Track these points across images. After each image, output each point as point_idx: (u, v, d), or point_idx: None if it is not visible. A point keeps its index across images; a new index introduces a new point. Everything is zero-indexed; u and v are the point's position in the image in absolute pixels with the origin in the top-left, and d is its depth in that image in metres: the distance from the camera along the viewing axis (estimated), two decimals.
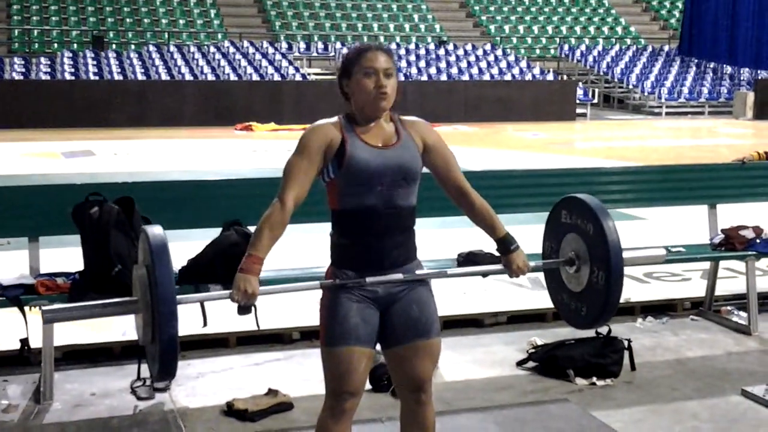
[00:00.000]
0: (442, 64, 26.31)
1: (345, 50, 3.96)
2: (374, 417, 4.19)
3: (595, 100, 27.18)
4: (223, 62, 24.60)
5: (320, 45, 27.58)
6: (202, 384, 4.63)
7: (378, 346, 3.22)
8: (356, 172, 3.05)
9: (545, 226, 3.82)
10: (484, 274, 4.32)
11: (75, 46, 25.75)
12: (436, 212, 5.84)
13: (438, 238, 7.54)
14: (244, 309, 4.08)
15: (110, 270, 4.24)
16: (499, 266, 3.46)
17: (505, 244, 3.39)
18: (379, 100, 3.07)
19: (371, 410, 4.26)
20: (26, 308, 4.27)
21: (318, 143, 3.08)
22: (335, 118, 3.14)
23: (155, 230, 3.11)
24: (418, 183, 3.18)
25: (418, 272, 3.21)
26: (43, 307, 3.20)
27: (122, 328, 5.26)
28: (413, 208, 3.20)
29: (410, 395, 3.22)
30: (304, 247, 5.60)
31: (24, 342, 4.37)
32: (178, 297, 2.99)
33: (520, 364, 4.94)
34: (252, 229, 4.59)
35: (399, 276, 3.14)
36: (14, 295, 4.28)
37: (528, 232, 8.05)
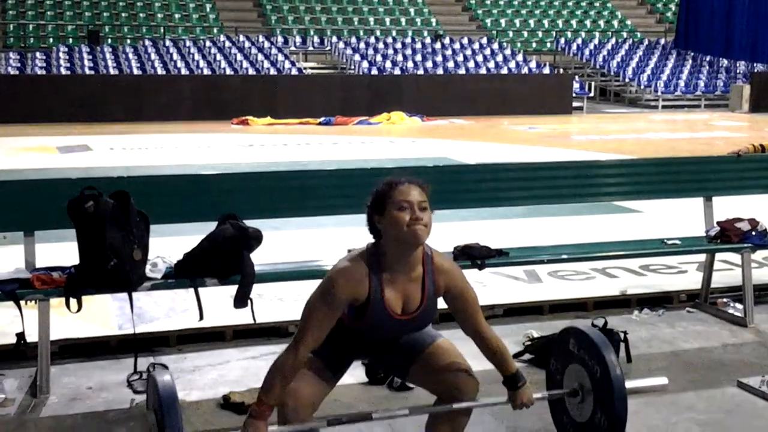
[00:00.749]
0: (439, 58, 26.30)
1: (375, 188, 3.98)
2: (370, 409, 4.18)
3: (592, 94, 27.18)
4: (219, 56, 24.57)
5: (316, 39, 27.55)
6: (199, 377, 4.63)
7: None
8: (371, 329, 3.15)
9: (552, 344, 3.90)
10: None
11: (70, 40, 25.70)
12: (433, 205, 5.86)
13: (434, 231, 7.54)
14: (240, 299, 4.10)
15: (106, 264, 4.23)
16: (503, 399, 3.53)
17: (514, 380, 3.43)
18: (414, 233, 3.03)
19: (367, 403, 4.27)
20: (22, 302, 4.26)
21: (346, 295, 3.08)
22: (362, 253, 3.12)
23: (165, 378, 3.18)
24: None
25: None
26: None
27: (118, 321, 5.27)
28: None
29: (458, 396, 3.28)
30: (298, 241, 5.59)
31: (20, 336, 4.37)
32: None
33: (516, 356, 4.94)
34: (248, 223, 4.61)
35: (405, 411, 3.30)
36: (10, 290, 4.27)
37: (523, 225, 8.09)
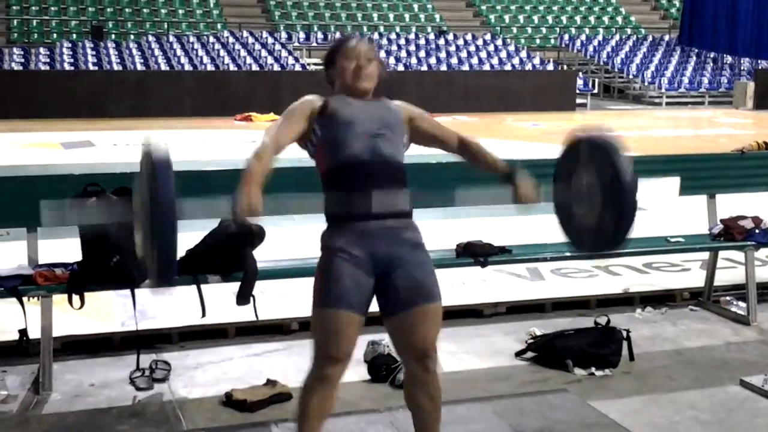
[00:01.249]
0: (442, 54, 26.27)
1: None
2: (373, 407, 4.19)
3: (596, 90, 27.15)
4: (222, 52, 24.56)
5: (320, 35, 27.53)
6: (201, 374, 4.64)
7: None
8: (340, 121, 3.16)
9: (562, 154, 3.70)
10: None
11: (74, 36, 25.69)
12: (435, 202, 5.85)
13: (436, 228, 7.53)
14: (243, 300, 4.09)
15: (109, 260, 4.24)
16: (504, 191, 3.39)
17: (511, 174, 3.41)
18: (359, 78, 3.23)
19: (370, 400, 4.27)
20: (25, 299, 4.27)
21: (302, 109, 3.23)
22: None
23: (160, 145, 3.07)
24: (403, 145, 3.29)
25: (412, 233, 3.26)
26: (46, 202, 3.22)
27: (121, 318, 5.27)
28: (401, 164, 3.25)
29: (417, 363, 3.21)
30: (301, 238, 5.60)
31: (23, 332, 4.38)
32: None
33: (518, 354, 4.94)
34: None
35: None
36: (12, 286, 4.27)
37: (526, 222, 8.07)
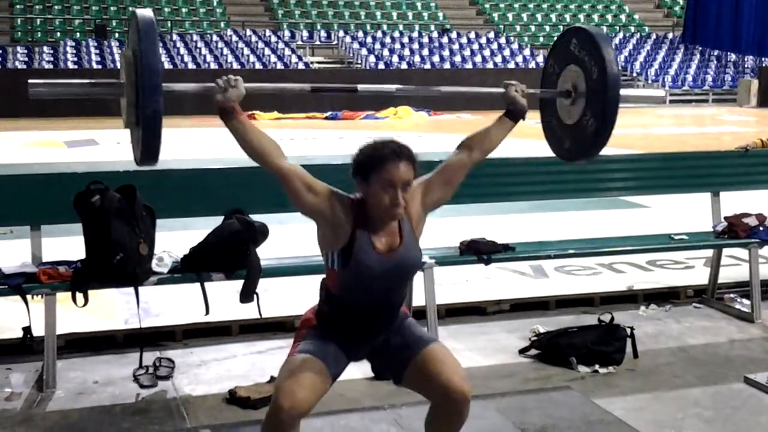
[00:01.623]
0: (446, 52, 26.27)
1: (363, 144, 3.11)
2: (377, 405, 4.19)
3: None
4: (225, 51, 24.58)
5: (323, 33, 27.53)
6: (205, 372, 4.64)
7: None
8: (359, 276, 3.05)
9: (552, 46, 3.82)
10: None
11: (78, 34, 25.73)
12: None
13: (440, 226, 7.54)
14: (246, 298, 4.09)
15: (112, 258, 4.24)
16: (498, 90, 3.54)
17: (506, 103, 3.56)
18: (393, 215, 3.03)
19: (373, 398, 4.26)
20: (28, 297, 4.27)
21: (333, 197, 3.07)
22: (351, 197, 3.10)
23: (144, 12, 3.08)
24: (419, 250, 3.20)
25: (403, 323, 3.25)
26: (30, 81, 3.18)
27: (125, 316, 5.27)
28: (406, 295, 3.26)
29: (447, 400, 3.10)
30: (304, 235, 5.60)
31: (26, 330, 4.38)
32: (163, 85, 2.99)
33: (522, 351, 4.94)
34: (254, 217, 4.61)
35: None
36: (16, 284, 4.28)
37: (530, 220, 8.08)
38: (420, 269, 3.15)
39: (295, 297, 5.40)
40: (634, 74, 28.24)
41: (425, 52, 26.04)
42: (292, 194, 3.10)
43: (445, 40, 27.20)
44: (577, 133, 3.56)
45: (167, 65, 23.24)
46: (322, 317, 3.19)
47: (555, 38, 3.89)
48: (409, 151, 3.07)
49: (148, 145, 2.94)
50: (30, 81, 3.06)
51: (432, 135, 17.16)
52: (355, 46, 26.19)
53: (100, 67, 22.57)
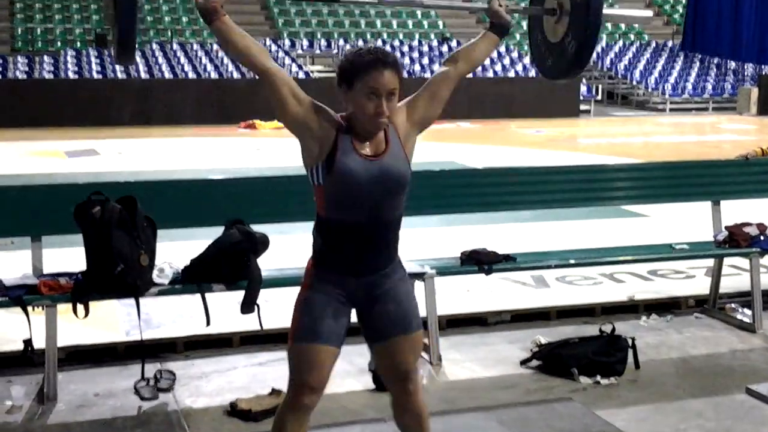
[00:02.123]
0: None
1: (348, 51, 3.14)
2: (377, 417, 4.18)
3: (599, 97, 27.15)
4: (226, 60, 24.60)
5: (323, 42, 27.57)
6: (206, 384, 4.63)
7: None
8: (344, 183, 3.00)
9: None
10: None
11: (78, 44, 25.75)
12: (440, 209, 5.86)
13: (441, 236, 7.54)
14: (248, 308, 4.08)
15: (113, 269, 4.23)
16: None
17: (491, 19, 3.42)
18: (377, 124, 3.01)
19: (374, 410, 4.26)
20: (29, 308, 4.26)
21: (318, 107, 3.07)
22: (338, 116, 3.09)
23: None
24: (407, 191, 3.13)
25: (394, 273, 3.20)
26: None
27: (126, 327, 5.27)
28: (399, 218, 3.16)
29: (398, 386, 3.24)
30: (306, 246, 5.59)
31: (27, 342, 4.37)
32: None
33: (524, 362, 4.93)
34: (255, 227, 4.60)
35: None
36: (17, 295, 4.27)
37: (530, 230, 8.07)
38: (407, 183, 3.07)
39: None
40: (634, 82, 28.27)
41: (425, 60, 26.08)
42: (278, 101, 3.06)
43: (445, 48, 27.25)
44: (559, 51, 3.64)
45: (168, 74, 23.27)
46: (319, 255, 3.15)
47: None
48: (395, 59, 3.04)
49: (122, 36, 3.06)
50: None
51: (432, 144, 17.15)
52: (350, 48, 26.24)
53: (100, 76, 22.60)
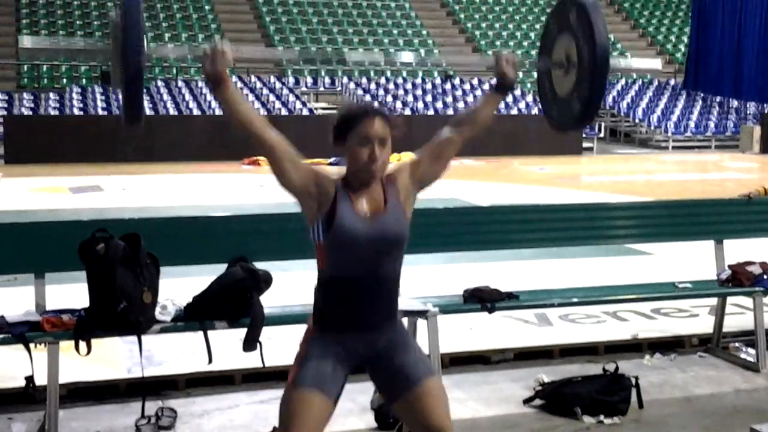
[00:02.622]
0: (449, 99, 26.42)
1: (338, 110, 3.25)
2: None
3: (602, 134, 27.23)
4: None
5: (327, 80, 27.73)
6: (207, 422, 4.61)
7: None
8: (343, 241, 3.03)
9: (545, 23, 3.86)
10: None
11: (84, 81, 25.92)
12: (443, 247, 5.86)
13: (444, 273, 7.53)
14: (250, 346, 4.07)
15: (116, 307, 4.23)
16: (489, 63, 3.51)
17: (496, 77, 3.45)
18: (371, 172, 3.06)
19: None
20: (31, 345, 4.26)
21: (312, 172, 3.12)
22: (337, 175, 3.13)
23: None
24: (404, 249, 3.16)
25: (403, 341, 3.21)
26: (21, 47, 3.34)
27: (127, 365, 5.25)
28: (398, 277, 3.18)
29: None
30: (308, 283, 5.59)
31: (29, 379, 4.36)
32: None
33: (527, 401, 4.91)
34: (258, 265, 4.60)
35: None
36: (20, 332, 4.27)
37: (533, 267, 8.06)
38: (404, 243, 3.10)
39: (299, 345, 5.37)
40: (637, 120, 28.37)
41: (428, 98, 26.21)
42: (278, 172, 3.14)
43: (448, 86, 27.40)
44: (565, 105, 3.66)
45: (172, 111, 23.38)
46: (319, 314, 3.15)
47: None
48: (384, 109, 3.15)
49: (131, 102, 3.12)
50: (21, 47, 3.24)
51: (436, 181, 17.20)
52: (359, 92, 26.37)
53: (105, 113, 22.72)
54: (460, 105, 25.96)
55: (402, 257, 3.16)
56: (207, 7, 30.47)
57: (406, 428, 4.37)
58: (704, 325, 6.31)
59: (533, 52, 31.77)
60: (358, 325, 3.11)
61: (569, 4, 3.69)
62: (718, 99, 29.84)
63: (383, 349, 3.14)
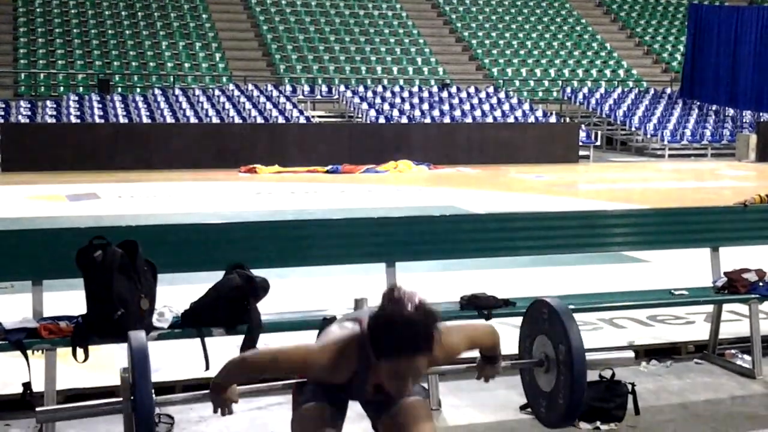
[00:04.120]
0: (446, 107, 26.45)
1: (386, 309, 2.94)
2: None
3: (598, 143, 27.25)
4: (227, 105, 24.75)
5: (324, 88, 27.74)
6: (204, 428, 4.61)
7: None
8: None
9: (523, 320, 4.00)
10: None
11: (81, 89, 25.92)
12: (439, 254, 5.87)
13: (441, 280, 7.54)
14: (247, 349, 4.10)
15: (113, 313, 4.24)
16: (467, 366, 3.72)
17: (492, 359, 3.57)
18: (398, 395, 3.06)
19: None
20: (29, 352, 4.26)
21: (314, 377, 3.14)
22: (357, 341, 3.02)
23: (138, 338, 3.39)
24: None
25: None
26: (37, 409, 3.45)
27: None
28: None
29: None
30: (304, 290, 5.59)
31: (26, 386, 4.36)
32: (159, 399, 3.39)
33: (523, 408, 4.91)
34: (255, 272, 4.61)
35: None
36: (17, 339, 4.28)
37: (530, 275, 8.06)
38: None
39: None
40: (633, 128, 28.40)
41: (425, 106, 26.22)
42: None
43: (445, 94, 27.41)
44: (551, 401, 3.74)
45: (169, 119, 23.39)
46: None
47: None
48: (430, 339, 2.91)
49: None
50: (38, 410, 3.47)
51: (432, 189, 17.22)
52: (356, 100, 26.38)
53: (102, 121, 22.72)
54: (457, 113, 25.98)
55: None
56: (204, 16, 30.55)
57: None
58: (700, 332, 6.33)
59: (530, 61, 31.87)
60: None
61: (544, 309, 3.80)
62: (714, 107, 29.89)
63: None
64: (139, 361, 3.31)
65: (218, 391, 3.22)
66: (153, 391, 3.27)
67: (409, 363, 2.89)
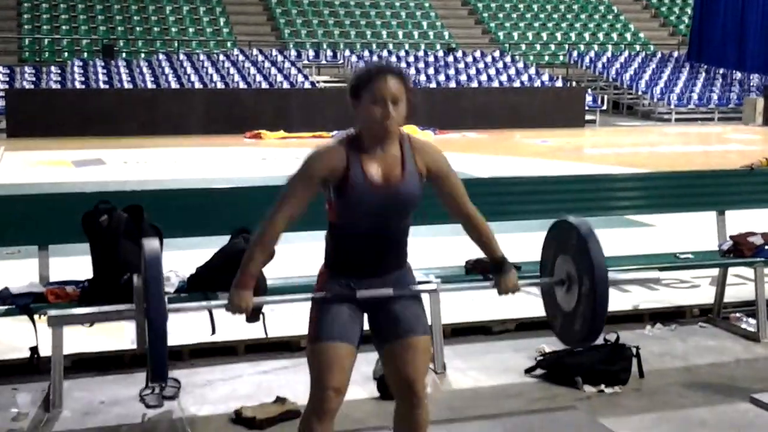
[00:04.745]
0: (451, 71, 26.34)
1: (357, 67, 5.01)
2: (382, 425, 4.19)
3: (605, 107, 27.16)
4: (232, 70, 24.67)
5: (329, 53, 27.64)
6: (211, 392, 4.64)
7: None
8: (355, 205, 3.12)
9: (544, 241, 3.90)
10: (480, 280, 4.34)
11: (85, 54, 25.86)
12: (445, 219, 5.86)
13: (446, 245, 7.54)
14: (252, 317, 4.12)
15: (119, 277, 4.26)
16: (489, 283, 3.60)
17: (501, 265, 3.51)
18: (385, 128, 3.09)
19: (379, 418, 4.27)
20: (36, 316, 4.29)
21: (320, 171, 3.13)
22: (342, 139, 3.16)
23: (151, 244, 3.33)
24: (420, 182, 3.24)
25: (409, 285, 3.31)
26: (49, 313, 3.48)
27: (131, 336, 5.28)
28: (407, 229, 3.29)
29: (403, 396, 3.28)
30: (311, 254, 5.60)
31: (33, 350, 4.39)
32: (176, 305, 3.38)
33: (528, 371, 4.94)
34: None
35: (389, 291, 3.23)
36: (24, 304, 4.30)
37: (536, 239, 8.04)
38: (417, 203, 3.20)
39: (301, 316, 5.40)
40: (640, 92, 28.27)
41: (431, 71, 26.12)
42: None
43: (450, 59, 27.28)
44: (567, 323, 3.71)
45: (174, 85, 23.33)
46: (329, 259, 3.26)
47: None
48: (400, 69, 3.19)
49: (155, 364, 3.36)
50: (49, 314, 3.59)
51: None
52: (361, 65, 26.30)
53: (107, 87, 22.67)
54: (462, 77, 25.87)
55: (413, 211, 3.25)
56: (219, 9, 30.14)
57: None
58: (705, 295, 6.34)
59: (536, 25, 31.65)
60: (365, 272, 3.21)
61: (567, 228, 3.77)
62: (721, 71, 29.72)
63: (386, 299, 3.23)
64: (151, 266, 3.28)
65: (241, 286, 3.22)
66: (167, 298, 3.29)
67: (384, 83, 3.06)
